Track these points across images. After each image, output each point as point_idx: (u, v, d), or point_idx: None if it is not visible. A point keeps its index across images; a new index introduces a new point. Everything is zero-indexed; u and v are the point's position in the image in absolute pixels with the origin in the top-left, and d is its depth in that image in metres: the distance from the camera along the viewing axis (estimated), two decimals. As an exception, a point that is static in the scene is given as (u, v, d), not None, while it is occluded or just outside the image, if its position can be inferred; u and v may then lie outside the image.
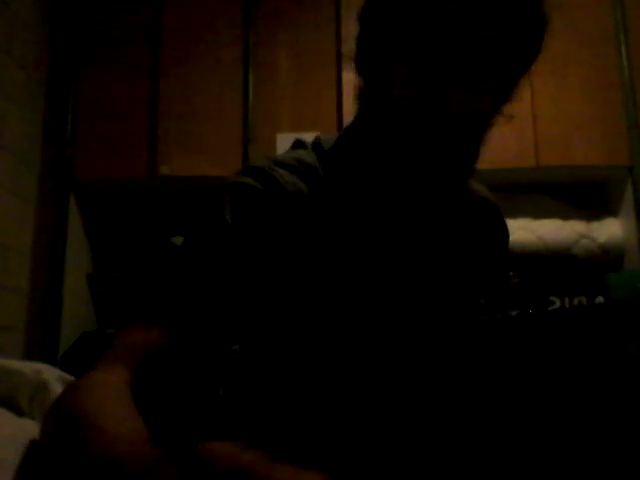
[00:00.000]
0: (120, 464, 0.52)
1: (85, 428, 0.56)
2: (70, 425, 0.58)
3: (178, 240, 0.74)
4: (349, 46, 0.77)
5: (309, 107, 2.40)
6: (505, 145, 2.30)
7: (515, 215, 2.39)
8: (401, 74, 0.67)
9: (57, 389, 0.69)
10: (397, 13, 0.65)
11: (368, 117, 0.75)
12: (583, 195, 2.53)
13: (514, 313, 0.64)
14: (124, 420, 0.58)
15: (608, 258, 2.38)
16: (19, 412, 0.67)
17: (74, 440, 0.56)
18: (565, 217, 2.40)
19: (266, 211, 0.71)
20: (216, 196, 0.75)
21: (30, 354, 2.19)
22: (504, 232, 0.94)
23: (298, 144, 0.85)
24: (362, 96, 0.76)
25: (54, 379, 0.70)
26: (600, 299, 2.20)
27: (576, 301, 2.23)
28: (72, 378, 0.73)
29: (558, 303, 2.26)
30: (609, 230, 2.37)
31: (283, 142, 2.38)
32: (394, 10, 0.66)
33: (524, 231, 2.36)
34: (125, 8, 2.52)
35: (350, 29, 2.35)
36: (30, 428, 0.64)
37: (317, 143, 0.82)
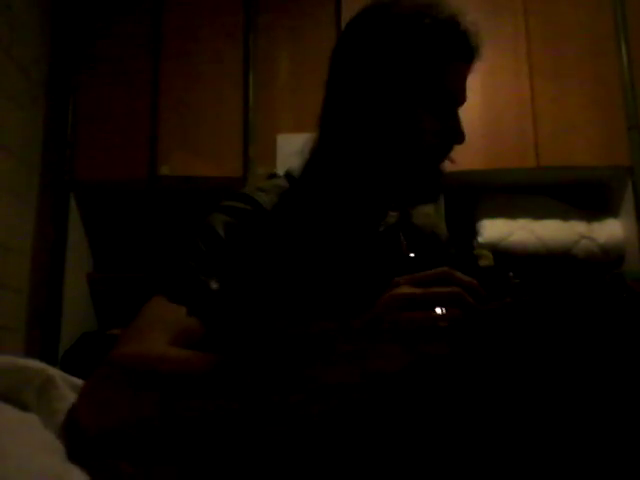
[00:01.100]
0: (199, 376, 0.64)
1: (153, 366, 0.67)
2: (136, 370, 0.67)
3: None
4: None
5: (309, 107, 2.38)
6: (505, 145, 2.30)
7: (515, 215, 2.39)
8: (427, 118, 0.88)
9: (63, 385, 0.70)
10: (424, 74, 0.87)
11: (345, 149, 0.91)
12: (583, 195, 2.53)
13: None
14: (186, 352, 0.69)
15: (608, 259, 2.37)
16: (24, 408, 0.67)
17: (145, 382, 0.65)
18: (565, 217, 2.40)
19: (251, 226, 0.85)
20: (210, 217, 0.87)
21: (30, 354, 2.18)
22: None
23: (272, 176, 1.00)
24: (345, 129, 0.91)
25: (59, 375, 0.71)
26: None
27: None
28: (73, 379, 0.74)
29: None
30: (609, 231, 2.37)
31: (283, 142, 2.38)
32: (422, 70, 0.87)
33: (524, 231, 2.36)
34: (125, 8, 2.52)
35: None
36: (35, 423, 0.64)
37: (288, 174, 0.98)
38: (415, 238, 1.00)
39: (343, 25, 2.48)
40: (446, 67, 0.87)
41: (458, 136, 0.89)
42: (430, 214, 1.08)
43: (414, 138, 0.87)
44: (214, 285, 0.77)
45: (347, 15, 2.77)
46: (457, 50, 0.88)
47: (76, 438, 0.67)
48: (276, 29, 2.50)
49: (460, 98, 0.91)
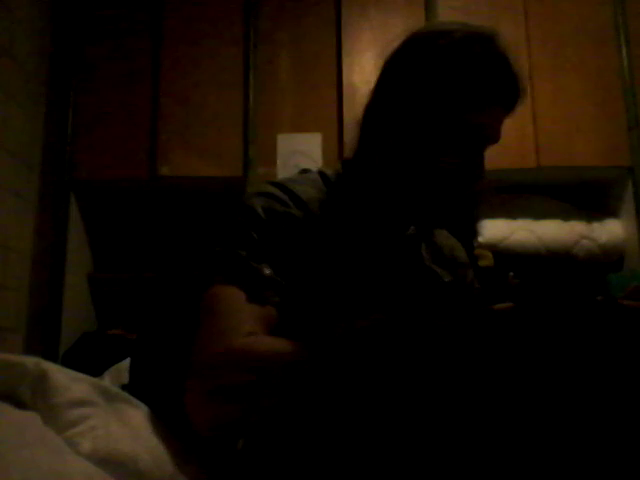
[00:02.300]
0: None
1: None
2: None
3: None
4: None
5: (309, 107, 2.40)
6: (506, 146, 2.29)
7: (515, 216, 2.39)
8: (448, 151, 0.88)
9: (58, 379, 0.69)
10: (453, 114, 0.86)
11: (389, 165, 0.91)
12: (584, 196, 2.53)
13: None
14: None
15: (608, 259, 2.37)
16: (21, 405, 0.67)
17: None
18: (566, 218, 2.40)
19: (290, 215, 0.85)
20: (249, 200, 0.87)
21: (30, 354, 2.18)
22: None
23: (304, 171, 1.00)
24: (391, 151, 0.90)
25: (53, 369, 0.71)
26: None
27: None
28: (69, 371, 0.74)
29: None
30: (610, 231, 2.37)
31: (283, 142, 2.38)
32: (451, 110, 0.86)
33: (524, 232, 2.36)
34: (126, 9, 2.52)
35: (350, 29, 2.37)
36: (35, 421, 0.64)
37: (321, 171, 0.97)
38: (436, 254, 1.02)
39: (343, 25, 2.47)
40: (482, 111, 0.87)
41: (476, 176, 0.89)
42: (449, 236, 1.09)
43: (432, 169, 0.87)
44: (267, 271, 0.79)
45: (347, 15, 2.78)
46: (498, 96, 0.87)
47: (189, 434, 0.71)
48: (276, 29, 2.50)
49: (492, 139, 0.91)
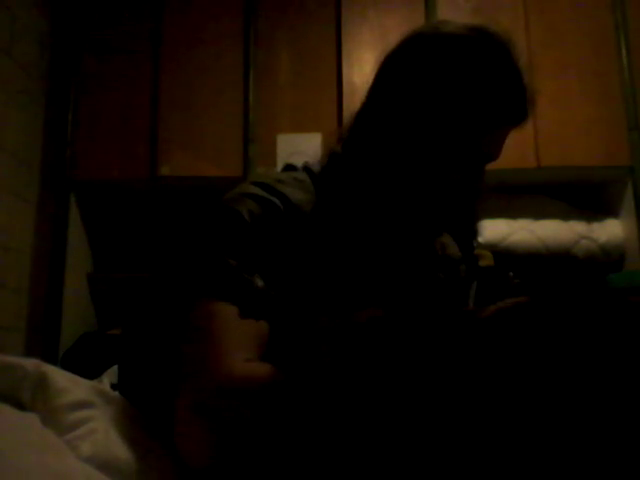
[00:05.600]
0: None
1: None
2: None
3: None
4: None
5: (309, 107, 2.40)
6: (506, 146, 2.29)
7: (515, 216, 2.39)
8: (449, 165, 0.84)
9: (58, 381, 0.69)
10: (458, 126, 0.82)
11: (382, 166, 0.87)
12: (583, 196, 2.53)
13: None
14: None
15: (608, 259, 2.37)
16: (21, 407, 0.67)
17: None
18: (566, 218, 2.40)
19: (280, 219, 0.81)
20: (234, 203, 0.81)
21: (30, 354, 2.18)
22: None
23: (289, 167, 0.96)
24: (389, 152, 0.86)
25: (53, 371, 0.71)
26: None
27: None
28: (69, 374, 0.73)
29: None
30: (609, 231, 2.37)
31: (283, 142, 2.38)
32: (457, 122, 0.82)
33: (525, 232, 2.36)
34: (126, 9, 2.52)
35: (350, 29, 2.37)
36: (34, 422, 0.64)
37: (307, 167, 0.93)
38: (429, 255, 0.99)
39: (343, 25, 2.48)
40: (493, 131, 0.84)
41: (477, 191, 0.87)
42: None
43: (428, 181, 0.84)
44: (259, 283, 0.75)
45: (347, 16, 2.77)
46: (510, 117, 0.84)
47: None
48: (276, 29, 2.50)
49: (494, 157, 0.89)
